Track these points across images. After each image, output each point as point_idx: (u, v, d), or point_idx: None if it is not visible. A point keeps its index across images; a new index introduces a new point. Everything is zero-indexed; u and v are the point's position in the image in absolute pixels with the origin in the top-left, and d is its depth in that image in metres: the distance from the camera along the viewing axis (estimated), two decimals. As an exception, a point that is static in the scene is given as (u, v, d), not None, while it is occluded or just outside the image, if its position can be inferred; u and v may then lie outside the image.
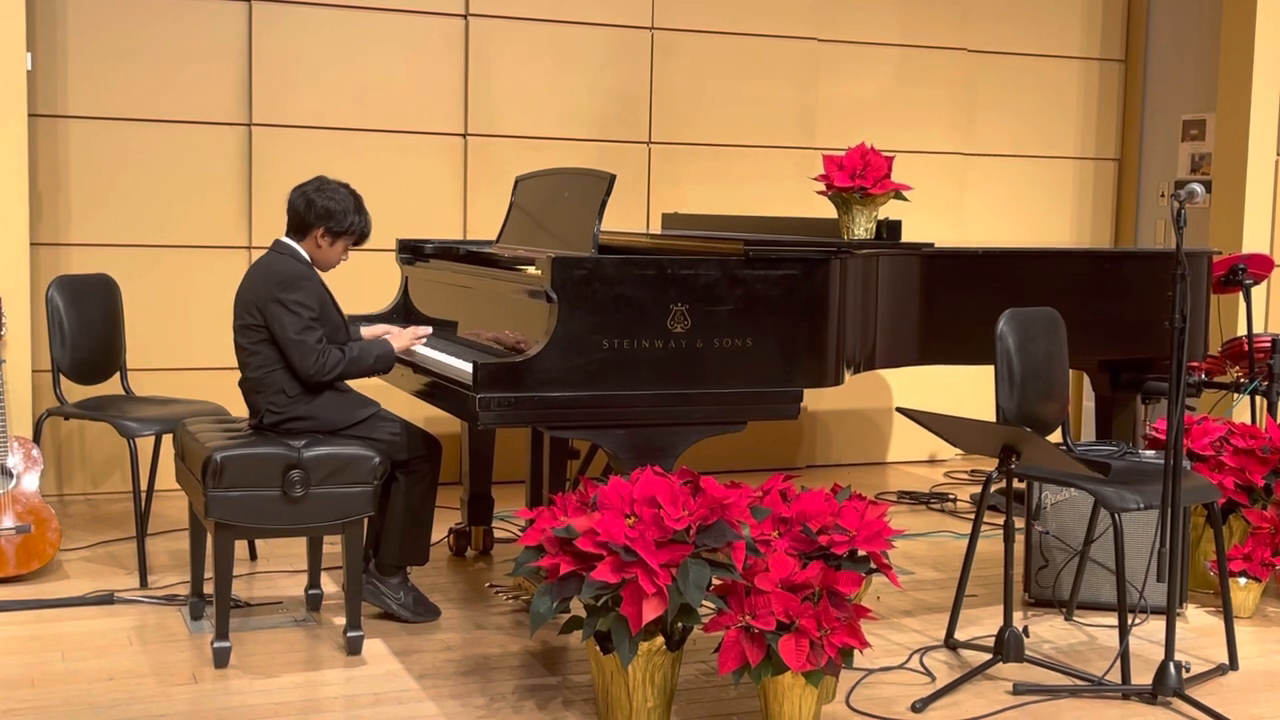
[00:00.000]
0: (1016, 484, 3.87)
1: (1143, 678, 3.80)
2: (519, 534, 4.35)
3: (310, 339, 4.03)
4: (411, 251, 5.17)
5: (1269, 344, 5.61)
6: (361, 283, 5.69)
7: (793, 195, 6.73)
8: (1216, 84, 7.03)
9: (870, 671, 3.91)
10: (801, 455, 7.03)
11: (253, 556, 5.01)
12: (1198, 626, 4.45)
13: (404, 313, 5.16)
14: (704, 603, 3.29)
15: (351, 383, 4.28)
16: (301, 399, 4.11)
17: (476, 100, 6.39)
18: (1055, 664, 3.96)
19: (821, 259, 4.10)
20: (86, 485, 5.99)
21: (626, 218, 6.50)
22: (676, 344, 3.92)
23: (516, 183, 5.06)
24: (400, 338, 4.31)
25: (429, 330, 4.39)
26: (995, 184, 7.48)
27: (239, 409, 4.45)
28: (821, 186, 4.55)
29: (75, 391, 5.08)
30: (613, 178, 4.25)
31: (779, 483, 3.80)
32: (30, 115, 5.55)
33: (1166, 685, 3.67)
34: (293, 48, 6.10)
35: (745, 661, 3.27)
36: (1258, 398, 5.67)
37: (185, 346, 6.02)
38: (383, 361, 4.19)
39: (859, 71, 7.10)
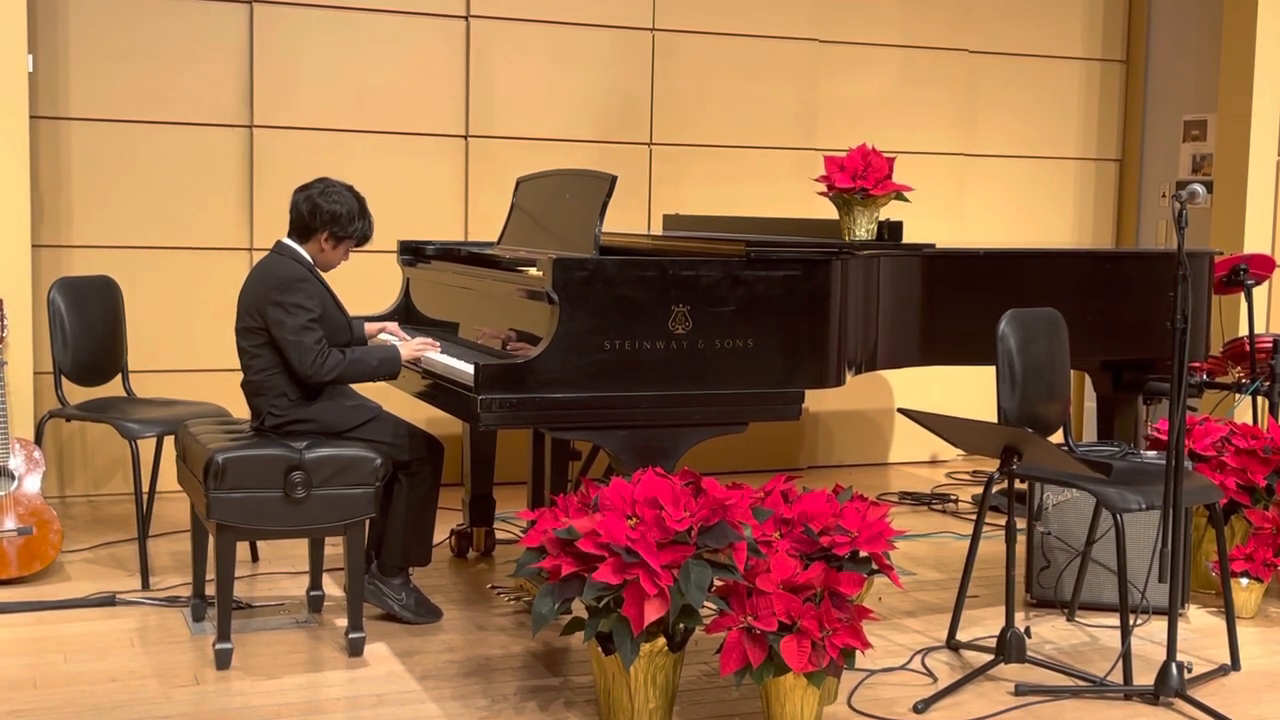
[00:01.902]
0: (1018, 485, 3.87)
1: (1145, 678, 3.80)
2: (521, 535, 4.35)
3: (308, 339, 4.02)
4: (413, 253, 5.17)
5: (1270, 344, 5.61)
6: (363, 284, 5.68)
7: (794, 196, 6.73)
8: (1217, 84, 7.03)
9: (872, 672, 3.91)
10: (803, 456, 7.03)
11: (254, 558, 5.01)
12: (1199, 627, 4.44)
13: (405, 314, 5.16)
14: (706, 604, 3.29)
15: (354, 384, 4.28)
16: (303, 402, 4.11)
17: (478, 101, 6.39)
18: (1057, 664, 3.96)
19: (823, 260, 4.10)
20: (88, 487, 6.00)
21: (628, 219, 6.50)
22: (678, 345, 3.92)
23: (518, 184, 5.06)
24: (408, 345, 4.29)
25: (438, 345, 4.36)
26: (996, 185, 7.47)
27: (240, 410, 4.45)
28: (823, 187, 4.55)
29: (77, 393, 5.08)
30: (614, 179, 4.25)
31: (780, 484, 3.80)
32: (32, 117, 5.55)
33: (1168, 686, 3.67)
34: (294, 49, 6.11)
35: (747, 662, 3.27)
36: (1259, 398, 5.67)
37: (187, 348, 6.02)
38: (387, 365, 4.17)
39: (860, 72, 7.10)
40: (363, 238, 4.23)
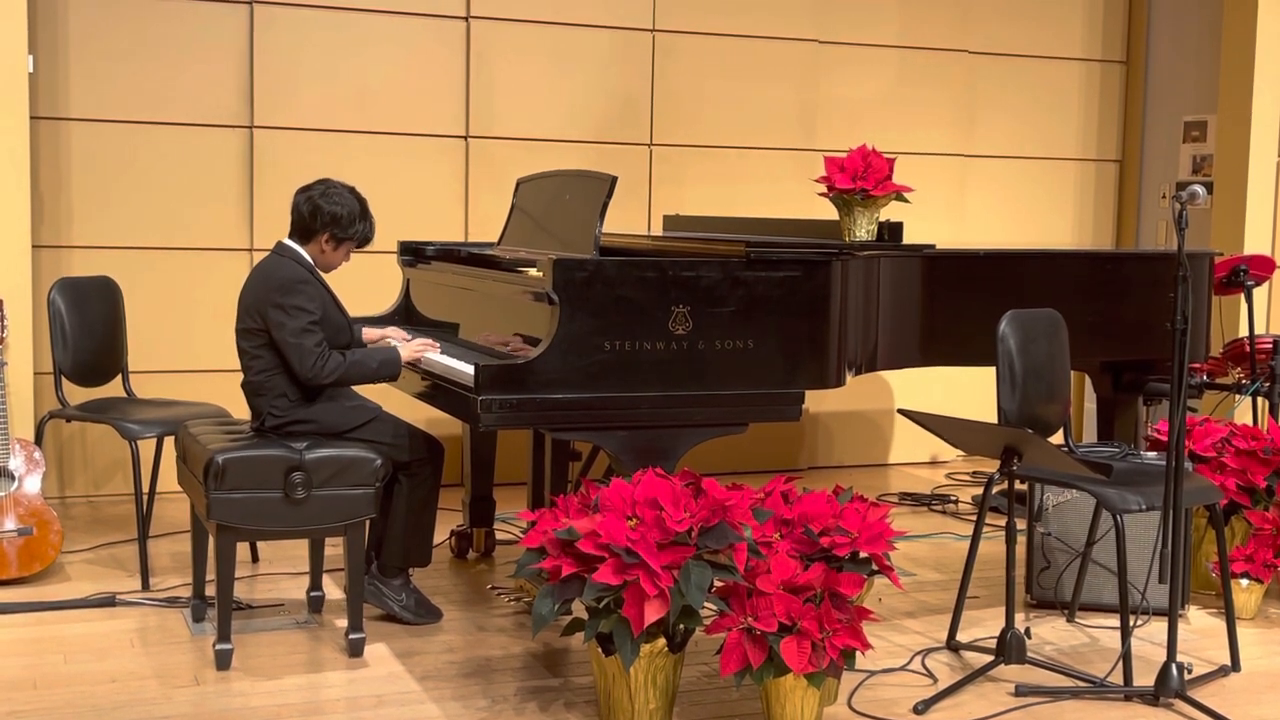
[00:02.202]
0: (1018, 485, 3.87)
1: (1145, 679, 3.80)
2: (521, 536, 4.35)
3: (309, 341, 4.02)
4: (413, 253, 5.17)
5: (1270, 345, 5.61)
6: (363, 285, 5.68)
7: (794, 197, 6.73)
8: (1217, 85, 7.03)
9: (872, 673, 3.91)
10: (803, 457, 7.03)
11: (254, 558, 5.01)
12: (1199, 628, 4.44)
13: (405, 315, 5.16)
14: (706, 604, 3.29)
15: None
16: (303, 403, 4.11)
17: (478, 102, 6.39)
18: (1057, 665, 3.96)
19: (823, 260, 4.10)
20: (88, 487, 5.99)
21: (628, 219, 6.50)
22: (678, 345, 3.92)
23: (518, 185, 5.06)
24: (407, 346, 4.29)
25: (438, 345, 4.36)
26: (996, 185, 7.48)
27: (241, 411, 4.45)
28: (823, 188, 4.55)
29: (77, 394, 5.08)
30: (614, 179, 4.25)
31: (780, 484, 3.80)
32: (32, 118, 5.55)
33: (1168, 686, 3.67)
34: (294, 50, 6.10)
35: (747, 663, 3.27)
36: (1259, 399, 5.67)
37: (187, 349, 6.02)
38: (388, 367, 4.17)
39: (860, 73, 7.10)
40: (364, 239, 4.23)
